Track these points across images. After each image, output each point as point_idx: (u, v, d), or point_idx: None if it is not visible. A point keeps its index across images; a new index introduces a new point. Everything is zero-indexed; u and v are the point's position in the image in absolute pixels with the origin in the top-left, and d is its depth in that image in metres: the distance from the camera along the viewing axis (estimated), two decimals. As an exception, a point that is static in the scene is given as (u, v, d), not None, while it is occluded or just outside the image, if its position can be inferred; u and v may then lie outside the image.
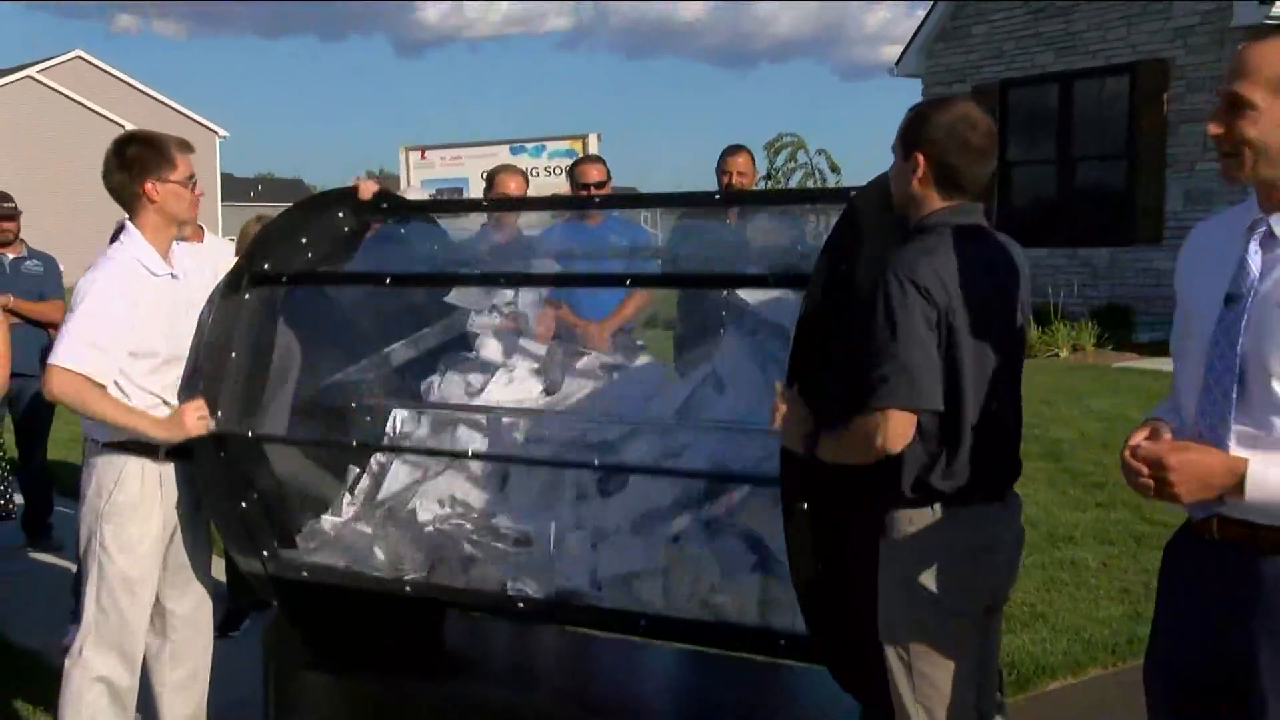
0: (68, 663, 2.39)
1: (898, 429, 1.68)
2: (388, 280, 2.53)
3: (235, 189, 38.43)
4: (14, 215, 4.52)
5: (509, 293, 2.77)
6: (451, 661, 2.80)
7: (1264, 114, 1.40)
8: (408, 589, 2.39)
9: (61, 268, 4.69)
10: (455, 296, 2.75)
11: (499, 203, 3.34)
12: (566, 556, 2.32)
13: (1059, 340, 9.70)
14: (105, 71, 29.77)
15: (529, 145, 7.50)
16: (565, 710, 2.48)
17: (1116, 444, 1.51)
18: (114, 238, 2.68)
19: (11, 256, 4.52)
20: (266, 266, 2.44)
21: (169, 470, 2.41)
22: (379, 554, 2.47)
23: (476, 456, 2.44)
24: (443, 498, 2.54)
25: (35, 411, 4.44)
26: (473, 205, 3.39)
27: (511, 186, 3.66)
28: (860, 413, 1.70)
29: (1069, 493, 5.03)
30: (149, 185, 2.35)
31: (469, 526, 2.48)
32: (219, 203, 28.77)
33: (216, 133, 30.91)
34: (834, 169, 20.15)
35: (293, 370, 2.58)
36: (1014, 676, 3.03)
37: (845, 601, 1.86)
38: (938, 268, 1.70)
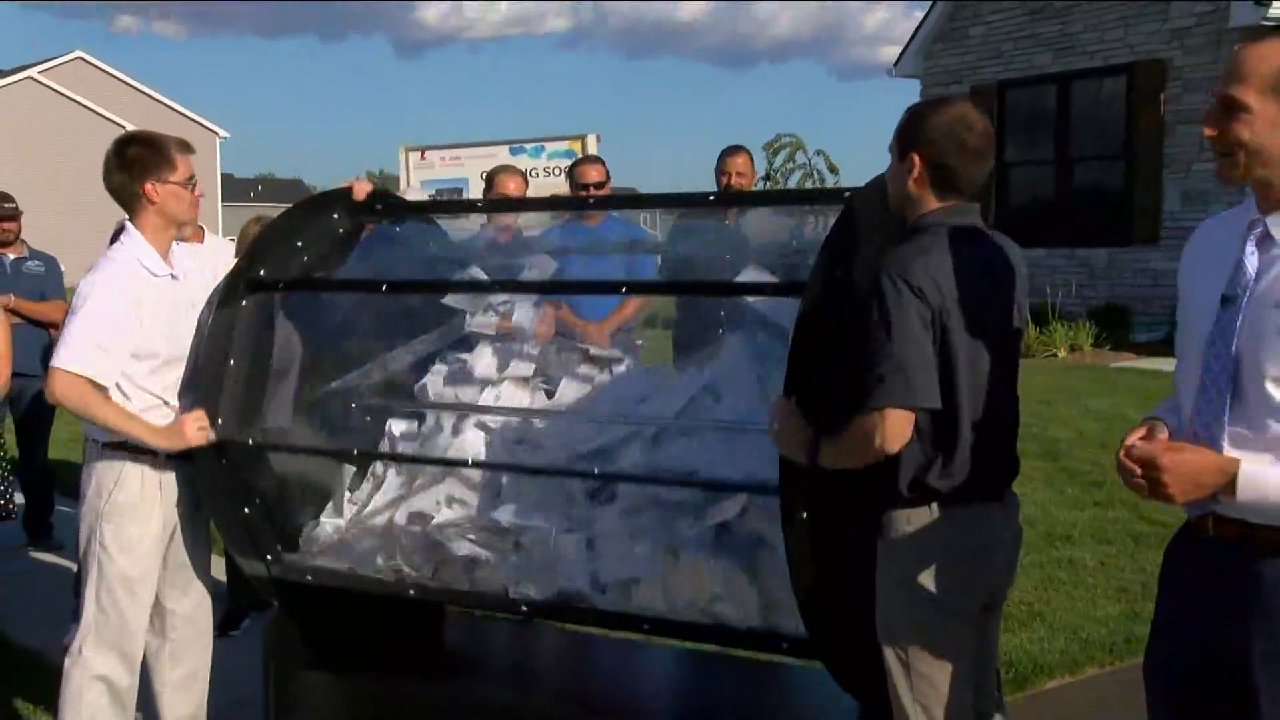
0: (67, 662, 2.39)
1: (895, 428, 1.68)
2: (384, 287, 2.54)
3: (235, 189, 38.42)
4: (15, 215, 4.53)
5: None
6: (451, 661, 2.80)
7: (1257, 116, 1.41)
8: (411, 591, 2.39)
9: (62, 268, 4.69)
10: (453, 298, 2.75)
11: (494, 203, 3.34)
12: (568, 558, 2.32)
13: (1057, 340, 9.72)
14: (106, 72, 29.74)
15: (528, 146, 7.50)
16: (565, 710, 2.48)
17: (1114, 443, 1.52)
18: (114, 238, 2.69)
19: (12, 257, 4.52)
20: (263, 272, 2.44)
21: (169, 471, 2.41)
22: (381, 556, 2.47)
23: (477, 465, 2.43)
24: (442, 499, 2.54)
25: (36, 411, 4.45)
26: (468, 206, 3.39)
27: (511, 187, 3.66)
28: (858, 414, 1.71)
29: (1067, 492, 5.04)
30: (149, 186, 2.36)
31: (470, 527, 2.48)
32: (219, 203, 28.77)
33: (217, 133, 30.89)
34: (832, 169, 20.19)
35: (294, 365, 2.58)
36: (1012, 675, 3.04)
37: (845, 604, 1.86)
38: (931, 268, 1.71)
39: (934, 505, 1.76)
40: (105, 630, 2.37)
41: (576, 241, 3.31)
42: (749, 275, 2.32)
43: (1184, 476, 1.40)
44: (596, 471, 2.24)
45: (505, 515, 2.43)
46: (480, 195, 4.12)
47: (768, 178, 19.33)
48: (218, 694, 2.58)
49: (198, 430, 2.32)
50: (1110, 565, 4.05)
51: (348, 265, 2.68)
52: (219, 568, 2.93)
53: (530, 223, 3.30)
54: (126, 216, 2.46)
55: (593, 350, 2.70)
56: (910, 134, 1.81)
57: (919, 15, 12.82)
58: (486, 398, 2.64)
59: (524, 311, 2.72)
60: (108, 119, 25.45)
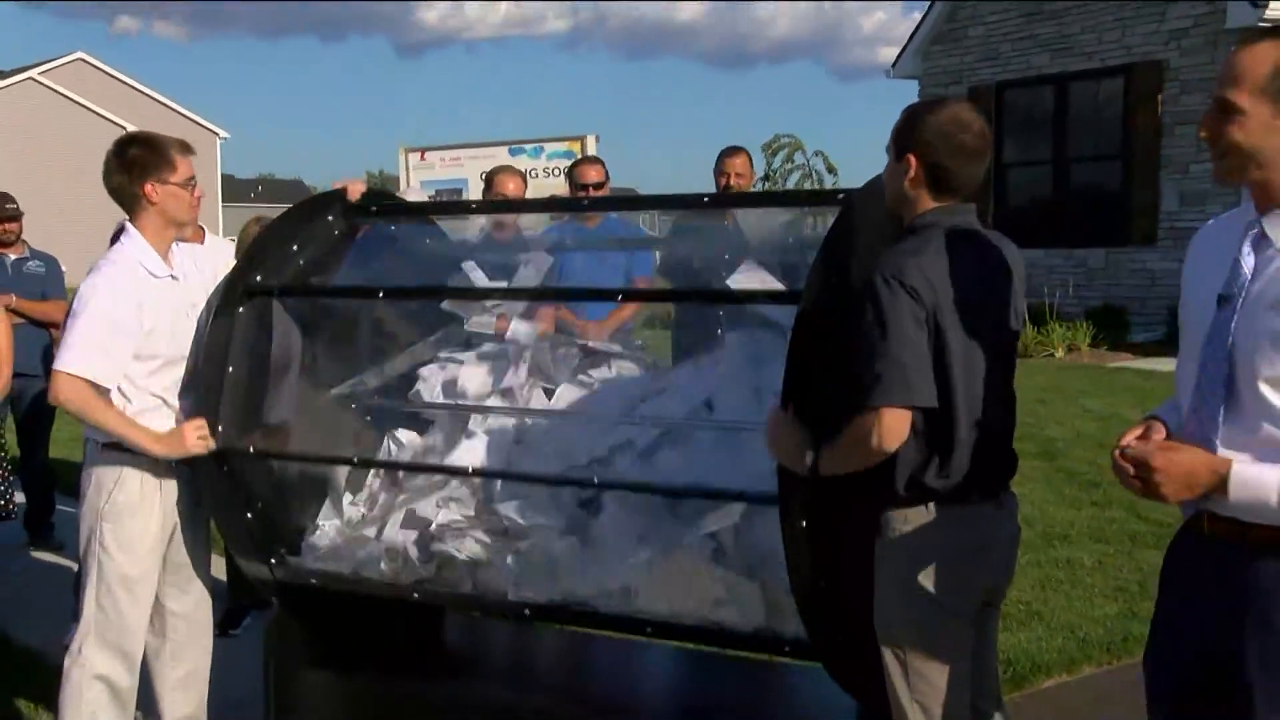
0: (67, 661, 2.40)
1: (893, 427, 1.69)
2: (380, 294, 2.54)
3: (236, 190, 38.41)
4: (16, 216, 4.53)
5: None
6: (451, 661, 2.81)
7: (1251, 118, 1.42)
8: (415, 595, 2.40)
9: (63, 268, 4.70)
10: (451, 301, 2.75)
11: (489, 205, 3.34)
12: (570, 561, 2.32)
13: (1054, 340, 9.74)
14: (106, 73, 29.76)
15: (528, 146, 7.51)
16: (565, 710, 2.49)
17: (1111, 443, 1.53)
18: (114, 239, 2.70)
19: (14, 257, 4.53)
20: (259, 278, 2.44)
21: (168, 471, 2.42)
22: (383, 559, 2.47)
23: (477, 474, 2.43)
24: (443, 501, 2.54)
25: (37, 411, 4.45)
26: (464, 207, 3.39)
27: (510, 187, 3.67)
28: (855, 414, 1.72)
29: (1064, 492, 5.05)
30: (149, 187, 2.36)
31: (471, 530, 2.48)
32: (219, 204, 28.78)
33: (217, 134, 30.90)
34: (831, 170, 20.22)
35: (293, 365, 2.59)
36: (1010, 674, 3.05)
37: (845, 606, 1.87)
38: (925, 268, 1.72)
39: (931, 505, 1.77)
40: (105, 630, 2.37)
41: (575, 240, 3.31)
42: (744, 274, 2.31)
43: (1176, 476, 1.41)
44: (596, 480, 2.23)
45: (506, 517, 2.43)
46: (480, 196, 4.13)
47: (767, 178, 19.36)
48: (218, 693, 2.59)
49: (198, 439, 2.33)
50: (1108, 564, 4.06)
51: (345, 267, 2.67)
52: (219, 567, 2.94)
53: (529, 222, 3.30)
54: (126, 217, 2.47)
55: (591, 343, 2.67)
56: (907, 135, 1.81)
57: (917, 16, 12.87)
58: (485, 398, 2.65)
59: (523, 311, 2.72)
60: (108, 120, 25.46)
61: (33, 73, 27.43)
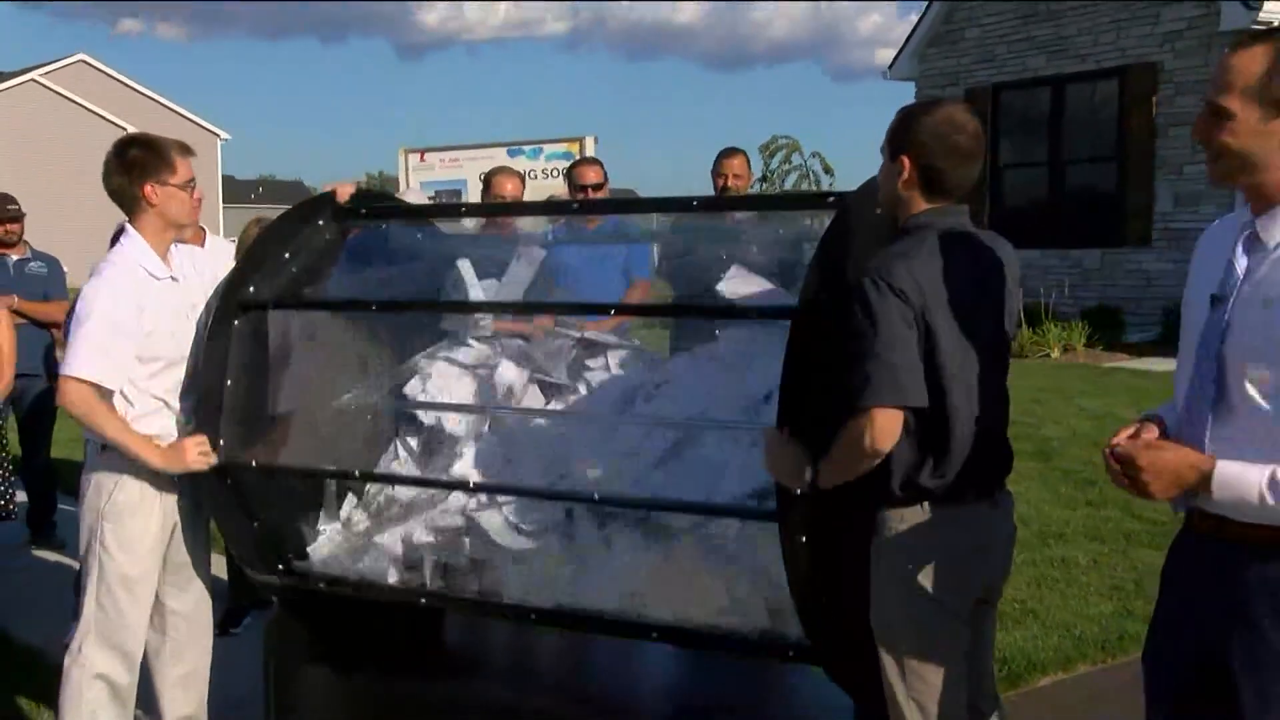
0: (67, 660, 2.40)
1: (885, 427, 1.70)
2: (374, 307, 2.55)
3: (236, 191, 38.39)
4: (18, 217, 4.54)
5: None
6: (451, 661, 2.82)
7: (1241, 123, 1.44)
8: (422, 600, 2.40)
9: (65, 269, 4.71)
10: (450, 292, 2.75)
11: (477, 208, 3.34)
12: (575, 565, 2.33)
13: (1050, 340, 9.77)
14: (107, 74, 29.71)
15: (526, 148, 7.52)
16: (565, 710, 2.50)
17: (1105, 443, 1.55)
18: (114, 240, 2.71)
19: (15, 258, 4.53)
20: (253, 289, 2.46)
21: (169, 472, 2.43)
22: (389, 563, 2.48)
23: (478, 488, 2.43)
24: (448, 505, 2.55)
25: (39, 411, 4.47)
26: (453, 210, 3.38)
27: (508, 188, 3.67)
28: (848, 418, 1.72)
29: (1060, 491, 5.06)
30: (148, 188, 2.37)
31: (475, 534, 2.48)
32: (220, 205, 28.78)
33: (218, 135, 30.87)
34: (828, 171, 20.27)
35: (292, 369, 2.60)
36: (1005, 672, 3.06)
37: (844, 610, 1.89)
38: (914, 270, 1.73)
39: (926, 504, 1.78)
40: (105, 629, 2.38)
41: (572, 234, 3.30)
42: (734, 279, 2.31)
43: (1162, 474, 1.43)
44: (597, 496, 2.24)
45: (511, 521, 2.44)
46: (479, 197, 4.14)
47: (764, 179, 19.40)
48: (218, 692, 2.59)
49: (199, 455, 2.34)
50: (1103, 563, 4.08)
51: (339, 270, 2.67)
52: (219, 566, 2.95)
53: (527, 225, 3.30)
54: (126, 219, 2.48)
55: (589, 335, 2.66)
56: (901, 136, 1.82)
57: (914, 19, 12.90)
58: (485, 397, 2.66)
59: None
60: (109, 121, 25.44)
61: (34, 74, 27.41)
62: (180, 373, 2.44)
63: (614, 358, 2.62)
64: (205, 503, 2.47)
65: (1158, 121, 10.41)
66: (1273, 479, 1.38)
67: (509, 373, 2.66)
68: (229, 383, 2.40)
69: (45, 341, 4.44)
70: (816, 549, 1.84)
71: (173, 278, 2.43)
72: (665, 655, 2.75)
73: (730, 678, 2.58)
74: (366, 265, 2.74)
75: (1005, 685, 2.97)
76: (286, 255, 2.55)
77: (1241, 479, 1.40)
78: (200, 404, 2.40)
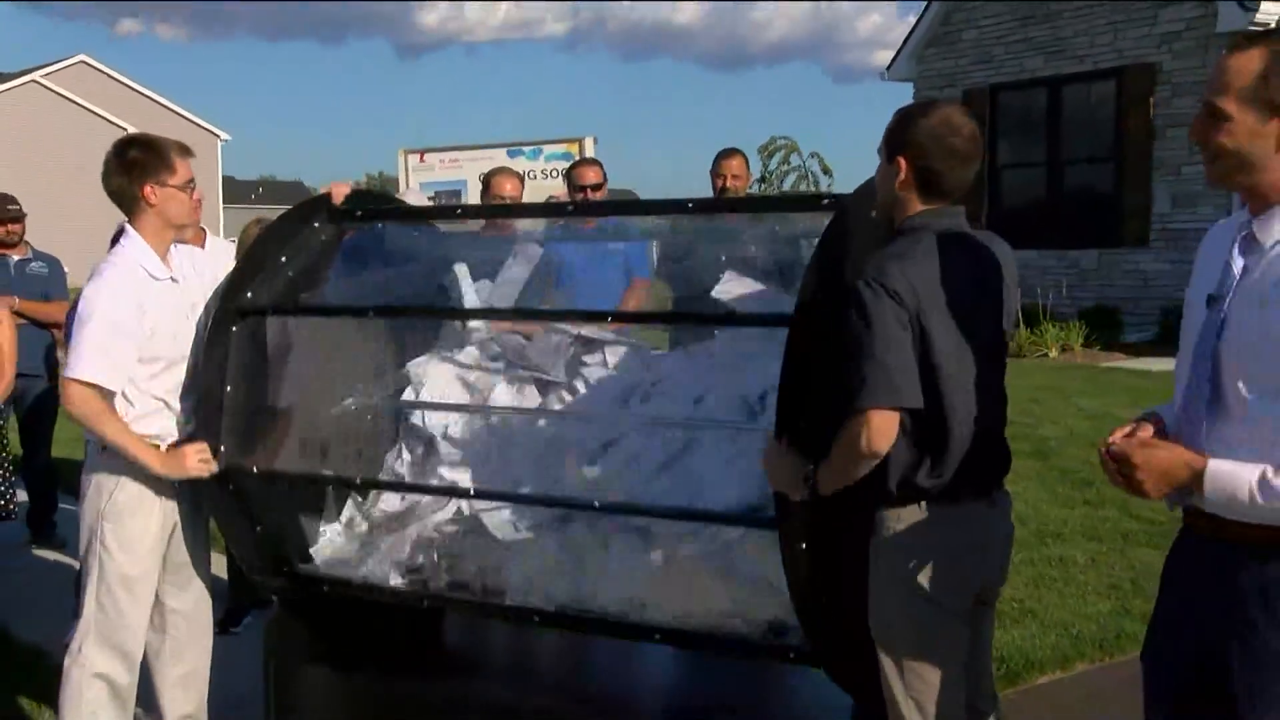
0: (67, 660, 2.41)
1: (880, 428, 1.70)
2: (370, 313, 2.55)
3: (237, 191, 38.39)
4: (19, 218, 4.55)
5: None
6: (451, 661, 2.82)
7: (1237, 124, 1.45)
8: (425, 602, 2.41)
9: (66, 269, 4.72)
10: (449, 287, 2.75)
11: (471, 209, 3.34)
12: (577, 567, 2.34)
13: (1048, 340, 9.79)
14: (108, 75, 29.73)
15: (526, 148, 7.52)
16: (565, 709, 2.50)
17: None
18: (114, 240, 2.71)
19: (16, 258, 4.54)
20: (250, 296, 2.46)
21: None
22: (392, 565, 2.48)
23: (479, 495, 2.43)
24: (450, 506, 2.55)
25: (40, 411, 4.48)
26: (448, 212, 3.39)
27: (507, 189, 3.68)
28: (844, 420, 1.73)
29: (1058, 490, 5.08)
30: (148, 189, 2.37)
31: (478, 535, 2.49)
32: (220, 205, 28.80)
33: (218, 136, 30.89)
34: (826, 172, 20.32)
35: (292, 373, 2.60)
36: (1003, 671, 3.07)
37: (844, 611, 1.89)
38: (908, 271, 1.73)
39: (923, 504, 1.79)
40: (105, 629, 2.38)
41: (572, 248, 3.31)
42: (729, 284, 2.31)
43: (1155, 472, 1.44)
44: (597, 504, 2.24)
45: (514, 523, 2.44)
46: (478, 197, 4.14)
47: (763, 180, 19.44)
48: (218, 691, 2.59)
49: (199, 462, 2.34)
50: (1100, 562, 4.09)
51: (336, 272, 2.67)
52: (219, 565, 2.95)
53: (526, 226, 3.30)
54: (126, 219, 2.48)
55: (585, 332, 2.66)
56: (898, 137, 1.83)
57: (912, 20, 12.93)
58: (484, 396, 2.66)
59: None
60: (110, 122, 25.44)
61: (35, 75, 27.44)
62: (181, 373, 2.44)
63: (611, 354, 2.62)
64: (207, 508, 2.48)
65: (1155, 122, 10.44)
66: (1263, 478, 1.39)
67: (507, 372, 2.66)
68: (228, 389, 2.41)
69: (46, 341, 4.45)
70: (816, 553, 1.85)
71: (172, 278, 2.44)
72: (665, 655, 2.75)
73: (730, 678, 2.58)
74: (364, 267, 2.74)
75: (1003, 684, 2.98)
76: (284, 258, 2.55)
77: (1233, 478, 1.41)
78: (200, 407, 2.41)
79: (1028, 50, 11.52)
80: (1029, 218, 11.30)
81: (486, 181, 3.79)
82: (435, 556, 2.49)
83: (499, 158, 7.24)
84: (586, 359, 2.64)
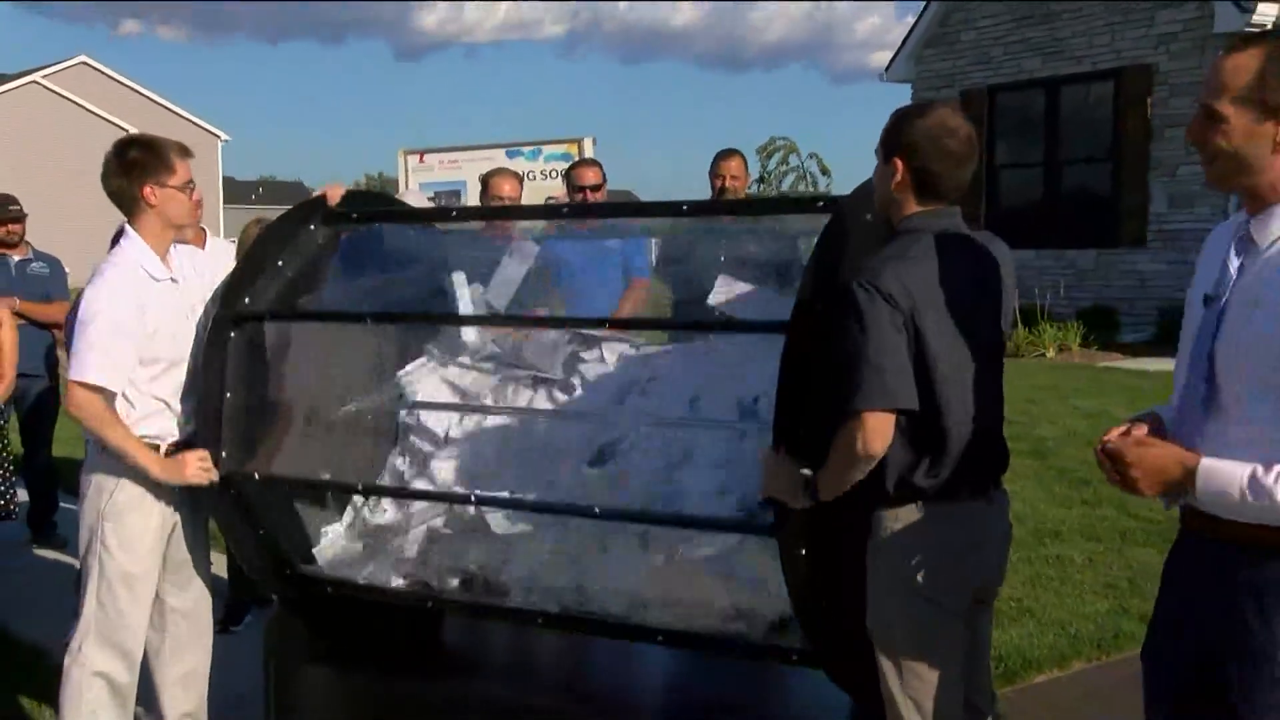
0: (67, 659, 2.41)
1: (876, 430, 1.71)
2: (367, 320, 2.55)
3: (237, 192, 38.43)
4: (19, 218, 4.56)
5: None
6: (451, 660, 2.82)
7: (1233, 125, 1.46)
8: (429, 604, 2.41)
9: (66, 269, 4.72)
10: (446, 288, 2.76)
11: (466, 211, 3.34)
12: (580, 569, 2.34)
13: (1045, 340, 9.81)
14: (109, 76, 29.74)
15: (525, 149, 7.53)
16: (565, 709, 2.50)
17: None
18: (114, 241, 2.72)
19: (17, 259, 4.55)
20: (248, 301, 2.46)
21: None
22: (394, 566, 2.49)
23: (481, 502, 2.43)
24: (452, 508, 2.55)
25: (40, 410, 4.49)
26: (443, 214, 3.39)
27: (506, 189, 3.69)
28: (840, 423, 1.74)
29: (1055, 490, 5.09)
30: (148, 189, 2.38)
31: (480, 537, 2.48)
32: (221, 205, 28.80)
33: (218, 136, 30.92)
34: (825, 172, 20.37)
35: (290, 377, 2.61)
36: (1001, 670, 3.08)
37: (844, 612, 1.90)
38: (902, 273, 1.74)
39: (921, 503, 1.79)
40: (105, 628, 2.39)
41: (572, 248, 3.31)
42: (723, 289, 2.31)
43: (1148, 470, 1.45)
44: (598, 511, 2.25)
45: (516, 525, 2.44)
46: (478, 198, 4.15)
47: (761, 180, 19.47)
48: (218, 690, 2.60)
49: (200, 470, 2.35)
50: (1098, 562, 4.10)
51: (333, 275, 2.67)
52: (220, 564, 2.96)
53: (525, 227, 3.30)
54: (126, 220, 2.49)
55: (583, 330, 2.67)
56: (894, 139, 1.83)
57: (910, 21, 12.94)
58: (483, 395, 2.66)
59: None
60: (110, 122, 25.45)
61: (35, 76, 27.46)
62: (181, 374, 2.45)
63: (609, 351, 2.62)
64: (208, 511, 2.49)
65: (1153, 123, 10.46)
66: (1253, 477, 1.40)
67: (505, 372, 2.67)
68: (228, 395, 2.41)
69: (46, 342, 4.46)
70: (815, 557, 1.85)
71: (172, 279, 2.44)
72: (665, 655, 2.75)
73: (730, 678, 2.58)
74: (362, 269, 2.74)
75: (1001, 682, 2.99)
76: (282, 261, 2.55)
77: (1224, 476, 1.42)
78: (199, 412, 2.41)
79: (1026, 51, 11.54)
80: (1026, 218, 11.32)
81: (485, 182, 3.80)
82: (438, 557, 2.49)
83: (498, 158, 7.24)
84: (584, 355, 2.64)
